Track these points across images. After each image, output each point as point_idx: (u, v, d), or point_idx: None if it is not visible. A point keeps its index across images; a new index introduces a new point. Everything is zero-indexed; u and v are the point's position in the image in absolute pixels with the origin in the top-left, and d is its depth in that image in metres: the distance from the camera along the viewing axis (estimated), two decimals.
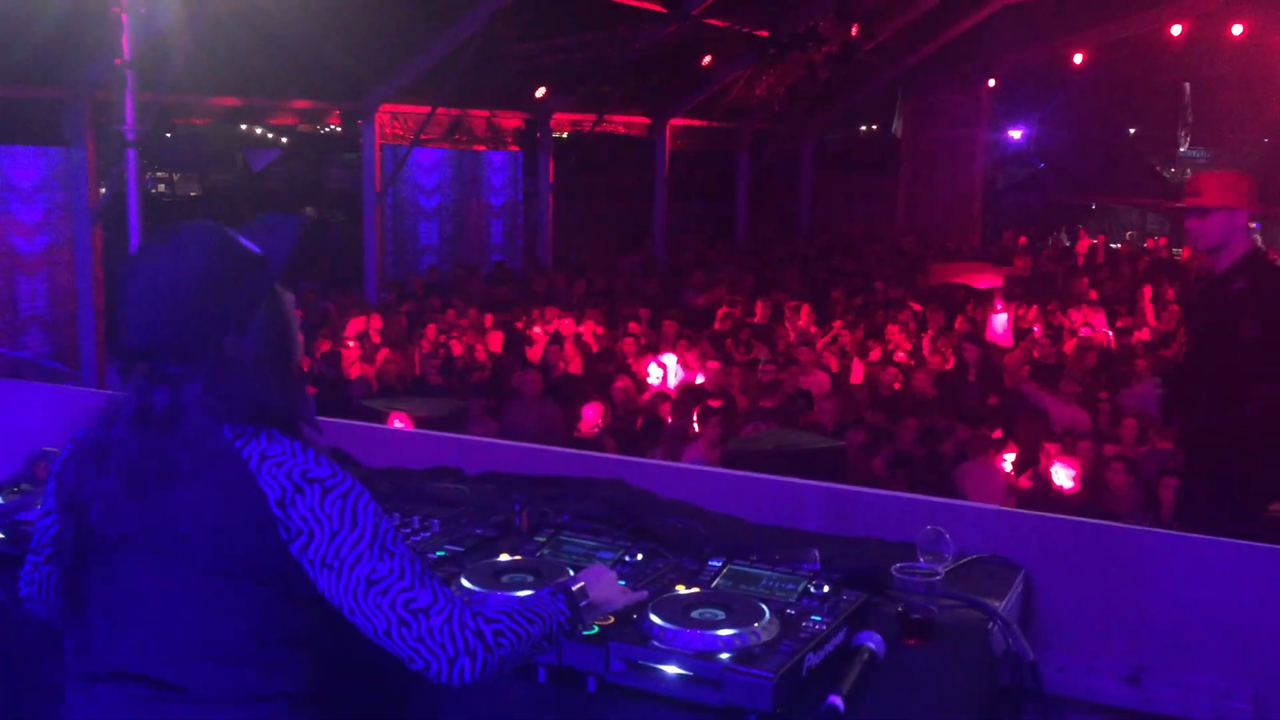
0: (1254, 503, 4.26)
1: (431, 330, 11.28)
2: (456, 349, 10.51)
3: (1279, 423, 4.24)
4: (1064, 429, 8.18)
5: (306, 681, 1.94)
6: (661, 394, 9.28)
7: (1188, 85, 21.69)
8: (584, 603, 2.06)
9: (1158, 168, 22.98)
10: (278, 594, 1.87)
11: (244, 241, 1.95)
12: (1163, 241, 20.55)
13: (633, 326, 11.74)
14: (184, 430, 1.87)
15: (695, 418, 8.23)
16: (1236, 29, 18.53)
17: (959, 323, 12.20)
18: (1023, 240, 19.43)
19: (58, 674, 2.00)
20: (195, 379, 1.88)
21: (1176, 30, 18.21)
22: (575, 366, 10.25)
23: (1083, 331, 11.94)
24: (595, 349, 11.02)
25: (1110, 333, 11.97)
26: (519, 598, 2.12)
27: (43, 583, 2.10)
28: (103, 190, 10.11)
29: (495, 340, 11.11)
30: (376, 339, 10.84)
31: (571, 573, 2.36)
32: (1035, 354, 10.53)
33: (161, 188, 22.44)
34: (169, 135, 10.60)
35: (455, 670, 1.84)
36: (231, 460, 1.84)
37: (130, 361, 1.92)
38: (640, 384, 9.74)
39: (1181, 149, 23.00)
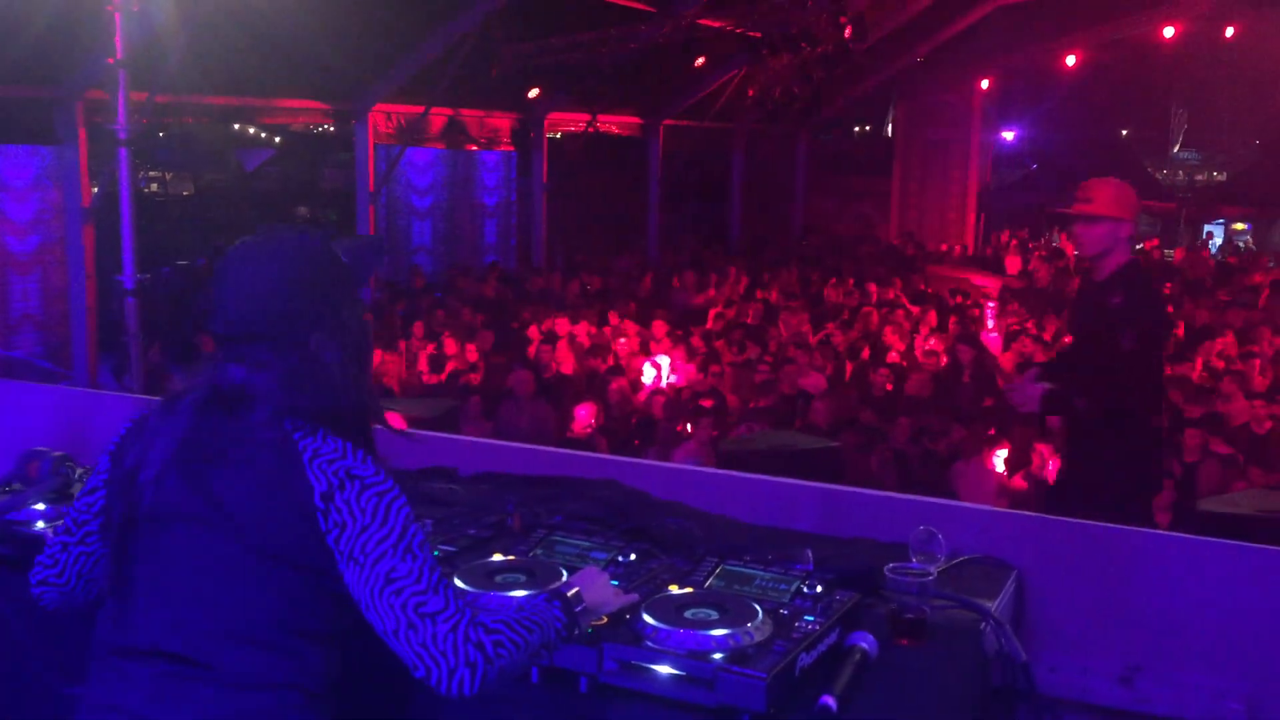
0: (1124, 496, 4.45)
1: (422, 329, 11.27)
2: (450, 349, 10.50)
3: (1147, 423, 4.54)
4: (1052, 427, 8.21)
5: (322, 677, 1.97)
6: (658, 391, 9.30)
7: (1179, 88, 21.76)
8: (579, 608, 2.08)
9: (1150, 169, 23.04)
10: (312, 583, 1.92)
11: (338, 251, 2.07)
12: (1154, 243, 20.61)
13: (628, 326, 11.74)
14: (250, 417, 1.94)
15: (688, 417, 8.23)
16: (1229, 31, 18.59)
17: (952, 324, 12.22)
18: (1014, 241, 19.47)
19: (51, 676, 2.00)
20: (275, 369, 1.96)
21: (1169, 32, 18.25)
22: (568, 367, 10.25)
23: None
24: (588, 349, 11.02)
25: None
26: (516, 605, 2.12)
27: (69, 565, 2.14)
28: (95, 189, 10.09)
29: (487, 340, 11.09)
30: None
31: (565, 573, 2.36)
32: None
33: (154, 187, 22.42)
34: (162, 134, 10.58)
35: (455, 681, 1.86)
36: (288, 450, 1.92)
37: (220, 343, 2.00)
38: (634, 384, 9.74)
39: (1174, 151, 23.07)
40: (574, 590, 2.10)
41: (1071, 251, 19.45)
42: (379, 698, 2.30)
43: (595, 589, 2.15)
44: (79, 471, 3.03)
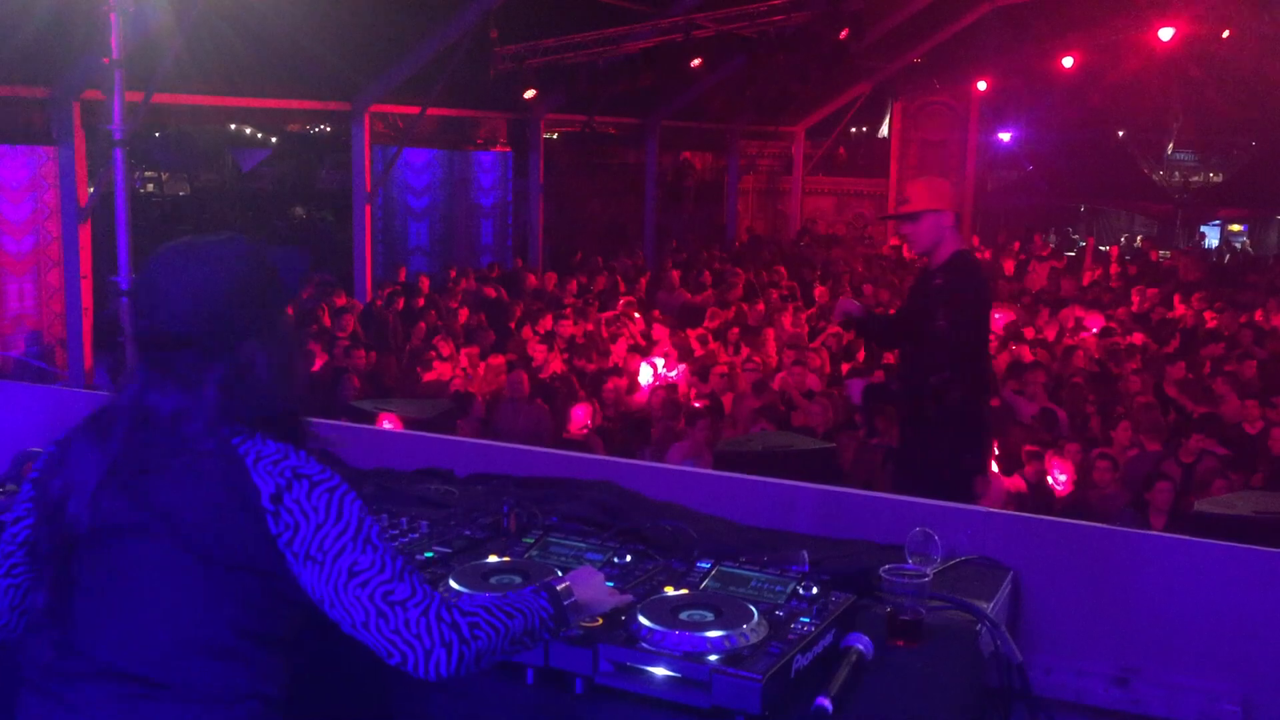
0: (946, 470, 4.66)
1: (424, 329, 11.26)
2: (445, 350, 10.49)
3: (968, 407, 4.74)
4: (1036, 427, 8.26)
5: (282, 685, 1.94)
6: (658, 386, 9.30)
7: (1176, 89, 21.78)
8: (568, 602, 2.05)
9: (1147, 170, 23.05)
10: (266, 588, 1.89)
11: (272, 260, 2.04)
12: (1146, 244, 20.65)
13: (630, 326, 11.74)
14: (185, 427, 1.90)
15: (684, 417, 8.23)
16: (1225, 33, 18.61)
17: None
18: (1015, 244, 19.48)
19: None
20: (205, 379, 1.91)
21: (1166, 34, 18.27)
22: (558, 367, 10.24)
23: (1077, 335, 11.98)
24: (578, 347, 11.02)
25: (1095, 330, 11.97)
26: (500, 594, 2.11)
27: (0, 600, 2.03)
28: (91, 190, 10.08)
29: (488, 340, 11.08)
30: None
31: (560, 574, 2.36)
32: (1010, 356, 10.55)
33: (150, 187, 22.37)
34: (158, 135, 10.57)
35: (431, 663, 1.85)
36: (229, 456, 1.89)
37: (145, 350, 1.95)
38: (630, 385, 9.74)
39: (1170, 152, 23.09)
40: (565, 584, 2.08)
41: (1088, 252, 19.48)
42: (354, 707, 2.30)
43: (588, 586, 2.13)
44: None
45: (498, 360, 10.26)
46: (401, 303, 12.74)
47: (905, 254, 18.33)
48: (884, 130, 22.27)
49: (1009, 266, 17.01)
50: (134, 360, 1.99)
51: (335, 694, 2.26)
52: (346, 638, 1.90)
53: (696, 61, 14.37)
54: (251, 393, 1.94)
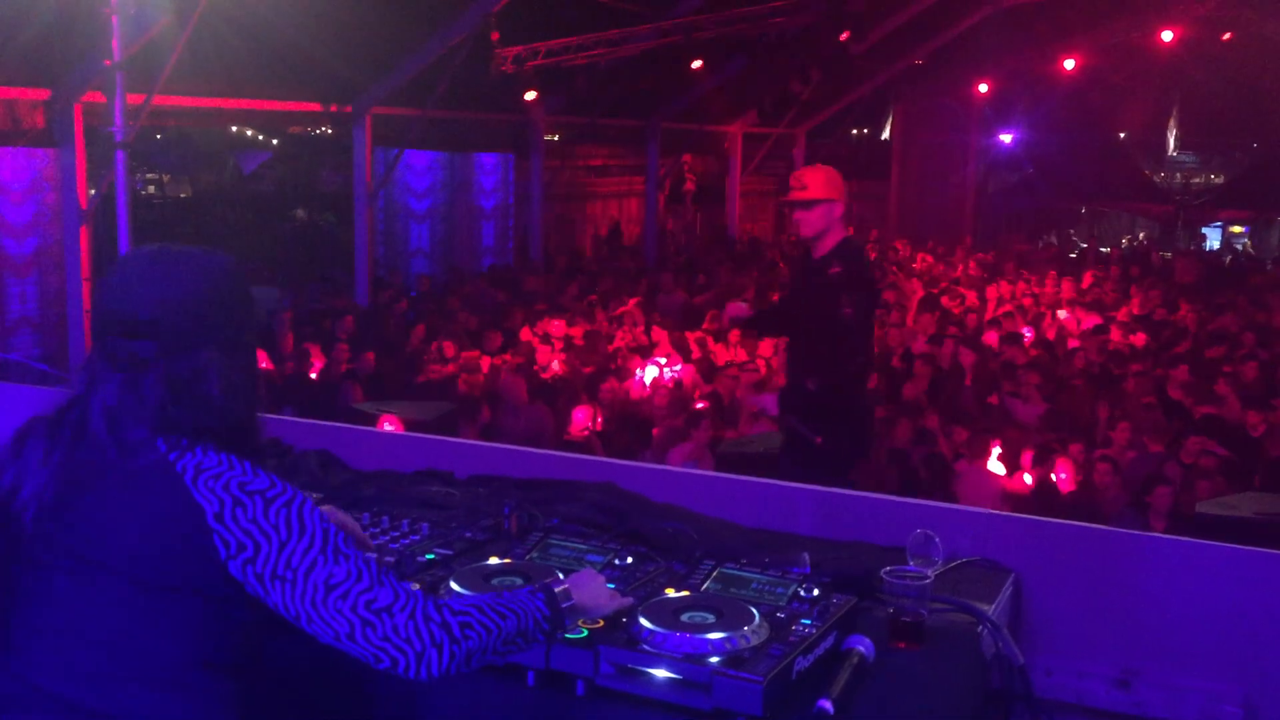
0: (836, 462, 4.79)
1: (423, 331, 11.26)
2: (448, 351, 10.49)
3: (859, 393, 5.02)
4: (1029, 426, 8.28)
5: (234, 713, 1.88)
6: (662, 386, 9.30)
7: (1177, 91, 21.80)
8: (566, 604, 2.03)
9: (1148, 172, 23.06)
10: (211, 613, 1.82)
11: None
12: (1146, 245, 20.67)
13: (630, 328, 11.74)
14: (124, 431, 1.82)
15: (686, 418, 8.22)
16: (1226, 35, 18.63)
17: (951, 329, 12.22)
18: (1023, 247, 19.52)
19: None
20: (157, 374, 1.83)
21: (1167, 36, 18.27)
22: (559, 369, 10.25)
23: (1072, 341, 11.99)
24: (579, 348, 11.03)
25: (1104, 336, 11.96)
26: (495, 594, 2.11)
27: None
28: (92, 192, 10.08)
29: (494, 342, 11.07)
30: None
31: (561, 576, 2.35)
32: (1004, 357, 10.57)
33: (151, 189, 22.39)
34: (159, 137, 10.58)
35: (423, 664, 1.81)
36: (165, 472, 1.80)
37: (101, 335, 1.86)
38: (632, 386, 9.74)
39: (1171, 154, 23.09)
40: (563, 586, 2.05)
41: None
42: (351, 710, 2.29)
43: (588, 589, 2.11)
44: None
45: (500, 361, 10.26)
46: (403, 304, 12.74)
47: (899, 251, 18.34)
48: (886, 133, 22.26)
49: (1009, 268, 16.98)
50: (88, 352, 1.91)
51: (322, 701, 2.25)
52: (325, 647, 1.85)
53: (697, 64, 14.40)
54: (198, 401, 1.84)
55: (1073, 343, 11.66)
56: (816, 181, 4.96)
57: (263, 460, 1.91)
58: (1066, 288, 14.93)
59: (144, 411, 1.82)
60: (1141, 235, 23.06)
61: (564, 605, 2.02)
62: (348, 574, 1.81)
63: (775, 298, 11.36)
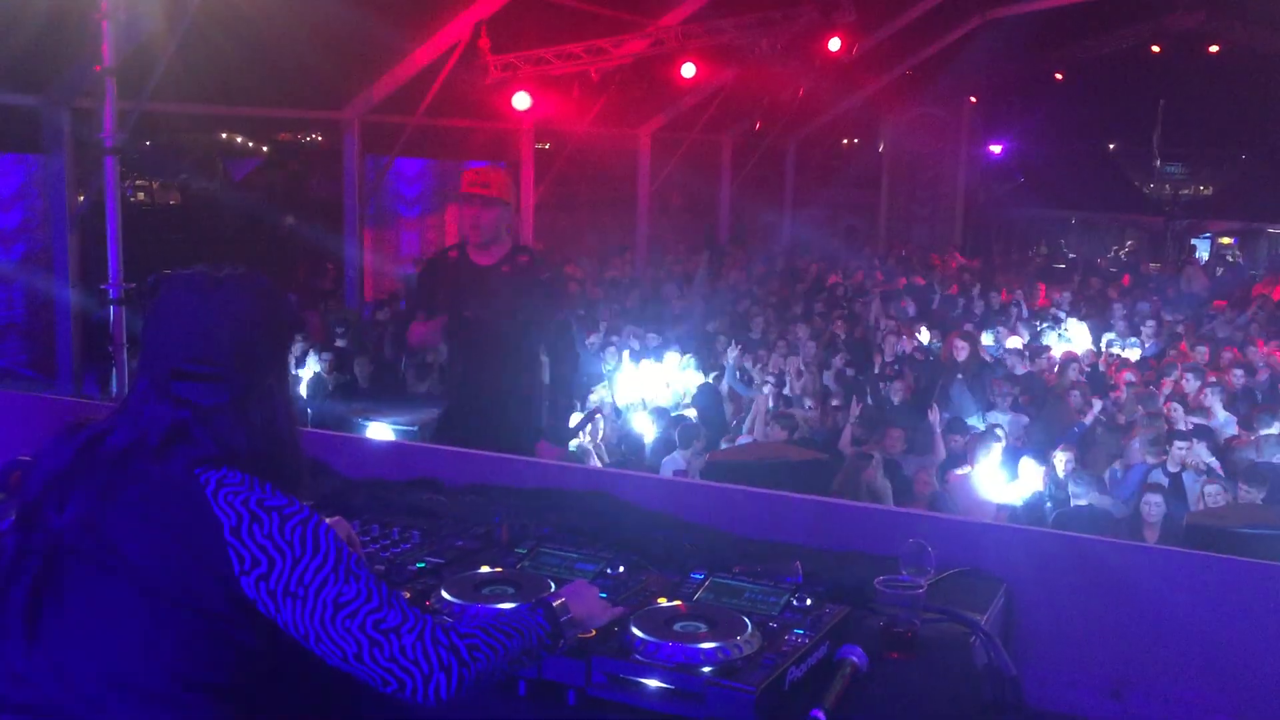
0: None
1: None
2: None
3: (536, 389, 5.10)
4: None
5: None
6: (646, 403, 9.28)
7: (1161, 102, 21.92)
8: (565, 618, 2.04)
9: (1137, 183, 23.15)
10: (211, 630, 1.81)
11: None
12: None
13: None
14: (164, 462, 1.84)
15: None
16: (1213, 48, 18.74)
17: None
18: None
19: None
20: (225, 413, 1.87)
21: (1156, 49, 18.37)
22: None
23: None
24: None
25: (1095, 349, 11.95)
26: (497, 612, 2.10)
27: None
28: (81, 198, 10.04)
29: None
30: None
31: (553, 585, 2.35)
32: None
33: (141, 196, 22.32)
34: (149, 143, 10.55)
35: (431, 687, 1.81)
36: (188, 484, 1.82)
37: (154, 374, 1.89)
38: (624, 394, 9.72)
39: (1160, 164, 23.19)
40: (560, 600, 2.06)
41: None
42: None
43: (584, 602, 2.11)
44: None
45: None
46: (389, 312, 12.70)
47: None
48: (878, 142, 22.33)
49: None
50: (137, 379, 1.94)
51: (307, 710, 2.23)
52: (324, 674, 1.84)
53: (689, 72, 14.41)
54: (264, 431, 1.90)
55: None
56: (498, 182, 4.90)
57: (297, 487, 1.93)
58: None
59: (206, 445, 1.86)
60: (1125, 247, 23.15)
61: (562, 619, 2.03)
62: (357, 594, 1.82)
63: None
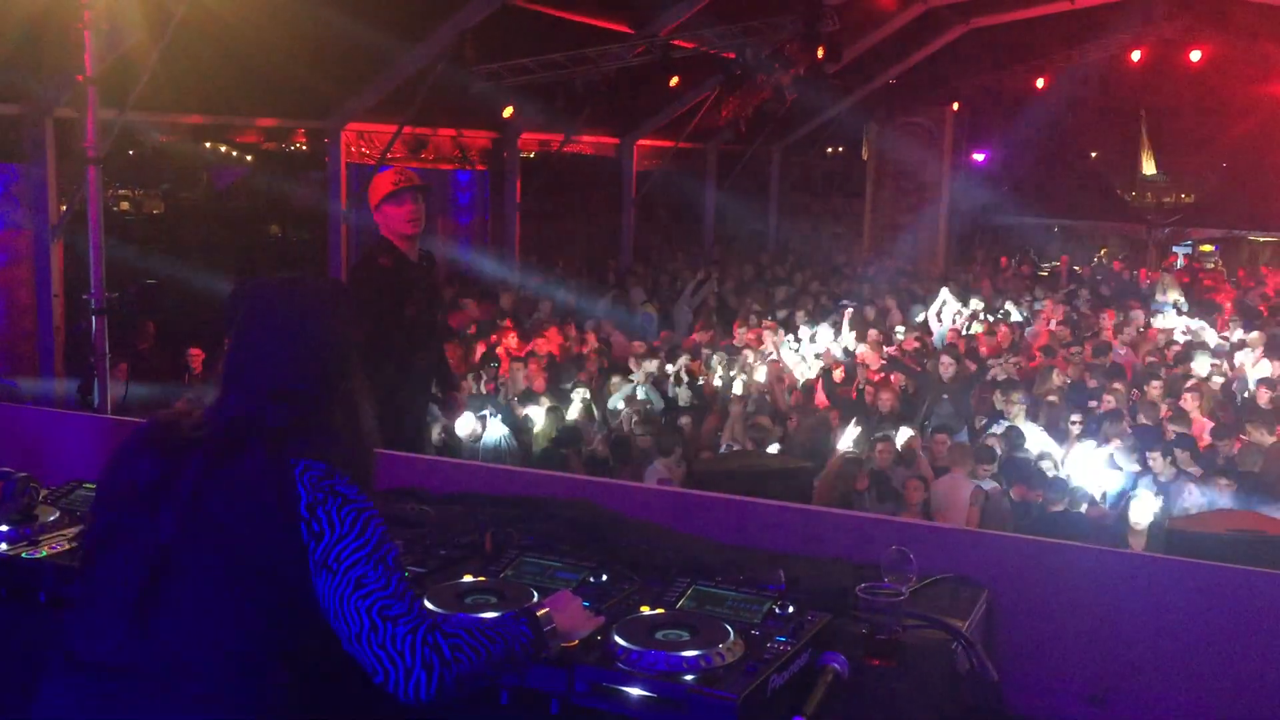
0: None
1: None
2: None
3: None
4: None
5: (284, 707, 1.96)
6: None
7: (1143, 110, 22.06)
8: (548, 628, 2.07)
9: (1119, 191, 23.26)
10: (292, 602, 1.94)
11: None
12: (1116, 266, 20.84)
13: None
14: (262, 452, 1.98)
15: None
16: (1194, 55, 18.87)
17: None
18: (1003, 260, 19.65)
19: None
20: (319, 423, 2.03)
21: (1136, 57, 18.49)
22: (539, 385, 10.22)
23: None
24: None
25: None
26: (481, 619, 2.12)
27: None
28: (64, 208, 10.00)
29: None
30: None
31: (536, 594, 2.35)
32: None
33: (125, 205, 22.24)
34: (132, 153, 10.51)
35: (411, 683, 1.89)
36: (280, 470, 1.96)
37: (261, 398, 2.02)
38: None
39: (1141, 173, 23.30)
40: (544, 610, 2.09)
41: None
42: None
43: (567, 613, 2.14)
44: (43, 493, 2.98)
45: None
46: None
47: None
48: (862, 150, 22.41)
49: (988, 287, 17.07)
50: (227, 390, 2.05)
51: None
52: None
53: (674, 81, 14.45)
54: (351, 435, 2.06)
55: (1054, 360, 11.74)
56: (416, 178, 5.08)
57: (369, 483, 2.06)
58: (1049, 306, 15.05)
59: (282, 443, 1.99)
60: (1103, 251, 23.24)
61: (546, 629, 2.07)
62: (379, 580, 1.93)
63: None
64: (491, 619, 2.08)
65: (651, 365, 10.34)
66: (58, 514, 2.85)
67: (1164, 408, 9.00)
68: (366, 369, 2.17)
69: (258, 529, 1.93)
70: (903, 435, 8.23)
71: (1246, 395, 10.05)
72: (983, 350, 11.59)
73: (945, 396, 9.68)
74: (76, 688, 1.92)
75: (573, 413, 9.31)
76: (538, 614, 2.07)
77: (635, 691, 2.06)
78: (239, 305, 2.09)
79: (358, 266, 5.48)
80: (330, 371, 2.07)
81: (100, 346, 7.69)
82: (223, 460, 1.97)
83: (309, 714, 2.00)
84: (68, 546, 2.64)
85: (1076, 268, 20.56)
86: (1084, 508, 7.10)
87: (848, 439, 7.96)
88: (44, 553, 2.62)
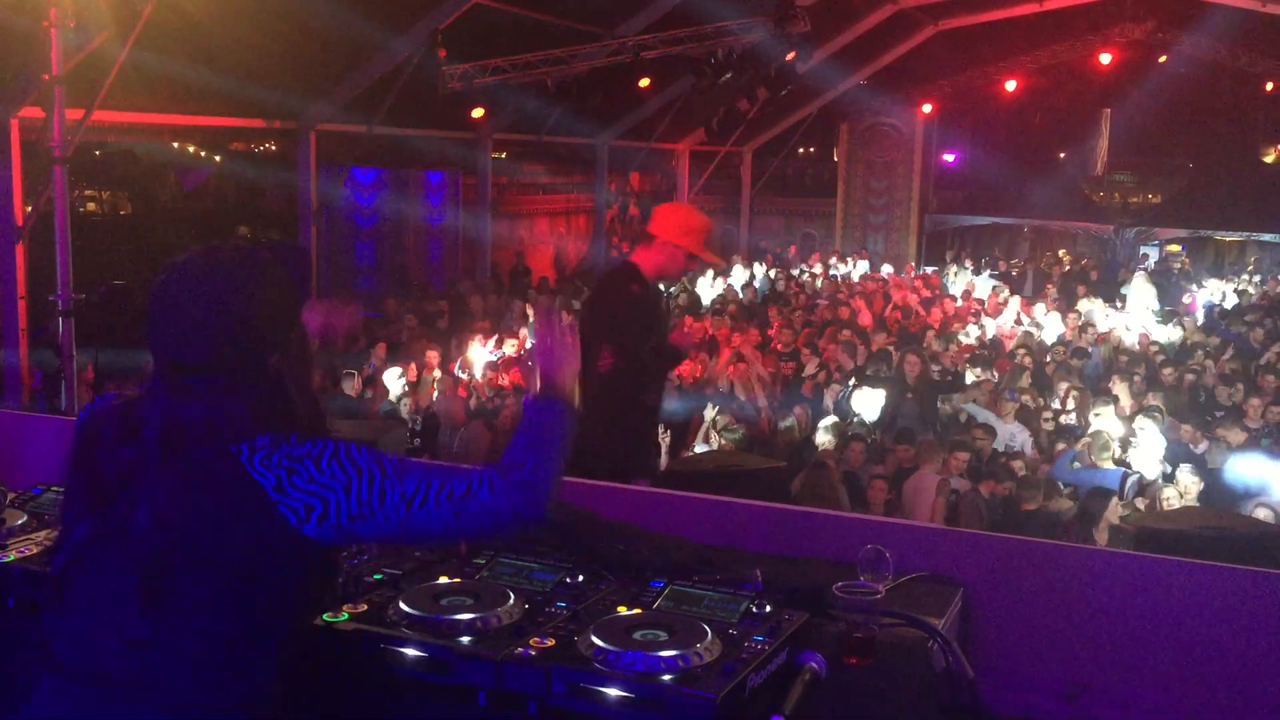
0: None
1: (384, 350, 11.17)
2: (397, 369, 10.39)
3: None
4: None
5: (268, 700, 1.94)
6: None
7: (1107, 111, 22.27)
8: (563, 392, 2.11)
9: (1087, 191, 23.47)
10: (262, 594, 1.90)
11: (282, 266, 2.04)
12: (1086, 264, 21.05)
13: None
14: (215, 437, 1.90)
15: None
16: (1161, 58, 19.07)
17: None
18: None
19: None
20: (240, 400, 1.92)
21: (1105, 58, 18.65)
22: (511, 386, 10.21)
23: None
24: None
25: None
26: (524, 423, 2.11)
27: None
28: (29, 209, 9.88)
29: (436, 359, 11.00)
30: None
31: (512, 595, 2.33)
32: None
33: (91, 206, 22.04)
34: (99, 153, 10.40)
35: (516, 517, 1.95)
36: (225, 463, 1.88)
37: (169, 374, 1.94)
38: None
39: (1109, 173, 23.52)
40: (547, 382, 2.12)
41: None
42: None
43: (558, 363, 2.14)
44: (10, 496, 2.94)
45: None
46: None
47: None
48: (834, 151, 22.52)
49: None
50: (155, 377, 1.96)
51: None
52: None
53: (645, 82, 14.45)
54: (280, 410, 1.96)
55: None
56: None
57: (318, 430, 2.00)
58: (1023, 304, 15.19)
59: (232, 431, 1.90)
60: (1063, 254, 23.44)
61: (564, 396, 2.11)
62: (417, 483, 1.93)
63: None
64: (522, 421, 2.09)
65: None
66: (25, 518, 2.81)
67: None
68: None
69: (228, 531, 1.86)
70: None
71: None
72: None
73: (909, 395, 9.71)
74: (69, 696, 1.88)
75: None
76: (548, 392, 2.10)
77: (613, 692, 2.05)
78: (156, 279, 1.99)
79: (608, 288, 4.94)
80: (230, 345, 1.92)
81: (66, 348, 7.62)
82: (170, 458, 1.89)
83: (293, 714, 1.99)
84: (36, 551, 2.60)
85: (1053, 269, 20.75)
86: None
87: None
88: (12, 557, 2.57)
